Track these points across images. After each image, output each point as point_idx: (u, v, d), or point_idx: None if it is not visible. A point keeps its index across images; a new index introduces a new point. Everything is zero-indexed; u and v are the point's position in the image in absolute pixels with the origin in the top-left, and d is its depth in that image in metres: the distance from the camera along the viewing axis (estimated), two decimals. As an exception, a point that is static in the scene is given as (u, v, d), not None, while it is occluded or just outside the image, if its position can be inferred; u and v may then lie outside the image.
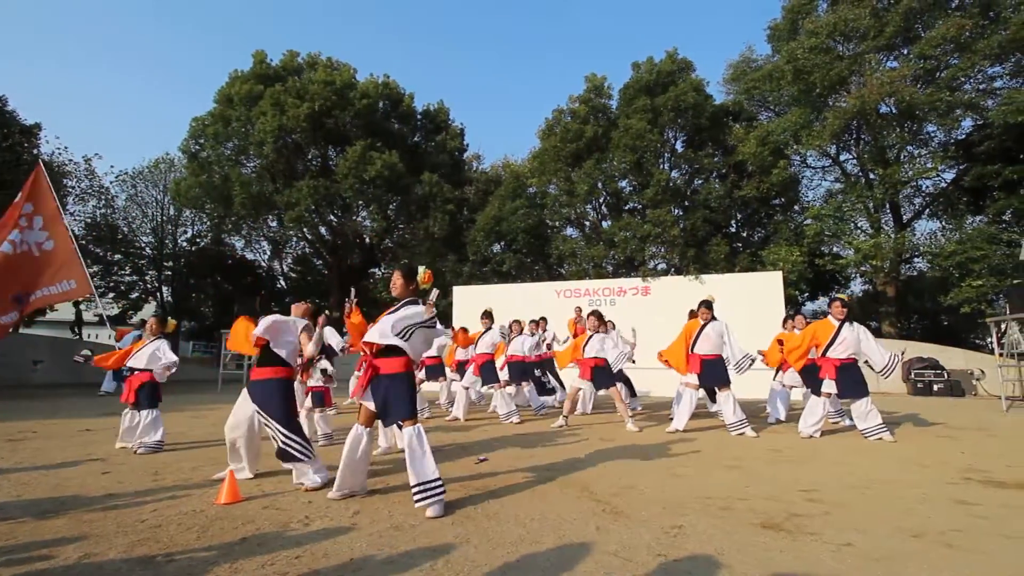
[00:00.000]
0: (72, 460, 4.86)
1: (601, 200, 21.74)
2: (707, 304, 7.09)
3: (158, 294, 26.01)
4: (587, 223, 22.36)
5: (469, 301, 15.34)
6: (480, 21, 78.50)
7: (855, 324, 6.59)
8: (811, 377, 7.10)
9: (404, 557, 2.60)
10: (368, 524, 3.09)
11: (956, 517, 3.31)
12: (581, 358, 7.40)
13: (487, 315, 8.69)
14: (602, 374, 7.30)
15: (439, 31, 79.92)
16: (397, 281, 3.88)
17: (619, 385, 7.65)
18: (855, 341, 6.45)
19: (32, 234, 6.93)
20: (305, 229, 23.91)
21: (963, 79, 16.33)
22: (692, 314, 7.61)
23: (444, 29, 79.81)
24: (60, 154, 22.47)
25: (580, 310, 9.54)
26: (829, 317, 6.76)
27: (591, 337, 7.41)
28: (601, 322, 7.61)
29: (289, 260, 28.13)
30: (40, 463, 4.71)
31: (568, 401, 7.44)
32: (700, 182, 20.79)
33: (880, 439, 6.13)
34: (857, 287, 23.29)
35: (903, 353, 6.48)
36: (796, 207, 20.92)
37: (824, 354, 6.59)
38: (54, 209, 7.07)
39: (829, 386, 6.46)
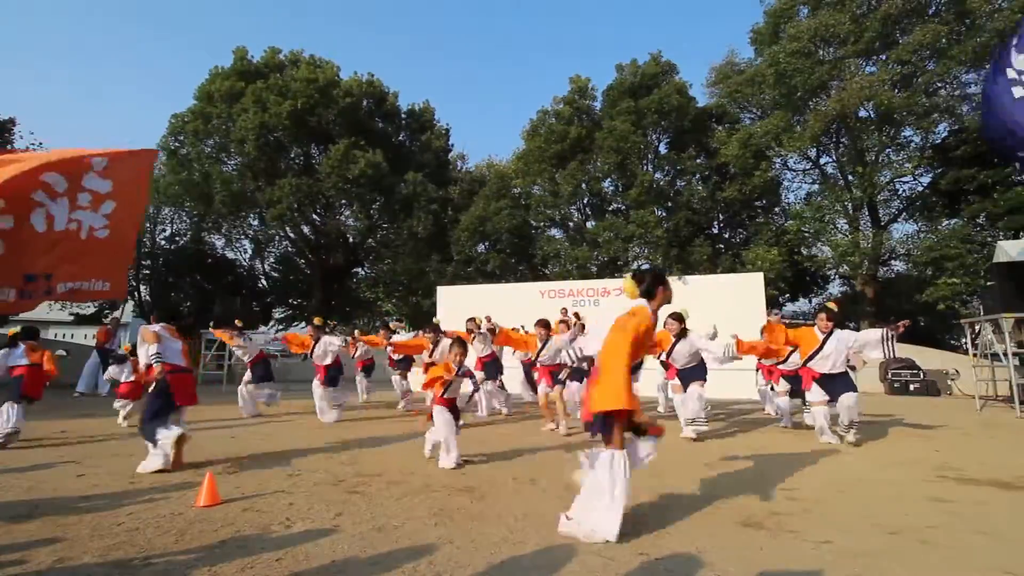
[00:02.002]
0: (46, 462, 4.75)
1: (585, 201, 21.85)
2: (677, 317, 6.60)
3: (136, 293, 25.53)
4: (571, 224, 22.45)
5: (453, 301, 15.30)
6: (465, 21, 78.43)
7: (841, 334, 6.16)
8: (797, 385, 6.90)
9: (386, 558, 2.58)
10: (350, 525, 3.07)
11: (932, 514, 3.38)
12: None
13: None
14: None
15: (424, 30, 79.70)
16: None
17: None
18: (840, 355, 6.02)
19: (90, 216, 6.12)
20: (287, 228, 23.65)
21: (939, 84, 16.70)
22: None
23: (429, 28, 79.61)
24: (35, 149, 21.96)
25: (566, 311, 9.52)
26: (815, 328, 6.26)
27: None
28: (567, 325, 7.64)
29: (271, 259, 27.76)
30: (13, 465, 4.60)
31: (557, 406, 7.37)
32: (683, 183, 20.99)
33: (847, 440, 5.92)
34: (836, 288, 23.70)
35: (893, 327, 5.78)
36: (777, 209, 21.22)
37: (805, 364, 6.26)
38: (135, 203, 6.37)
39: (816, 394, 6.14)
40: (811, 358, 6.17)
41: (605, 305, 14.86)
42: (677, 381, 6.80)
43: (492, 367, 8.54)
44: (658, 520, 3.19)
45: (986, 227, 16.84)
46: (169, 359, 4.72)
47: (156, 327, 4.89)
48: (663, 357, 6.88)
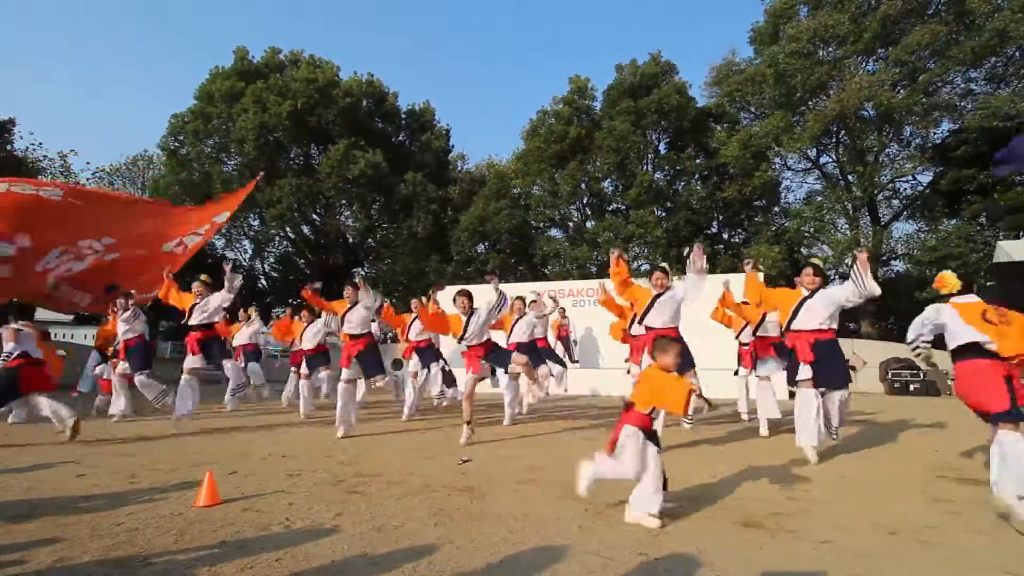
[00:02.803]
0: (46, 462, 4.74)
1: (585, 201, 21.85)
2: (662, 269, 5.73)
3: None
4: (571, 224, 22.45)
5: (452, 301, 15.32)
6: (465, 21, 78.46)
7: (829, 290, 5.18)
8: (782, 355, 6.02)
9: (386, 558, 2.58)
10: (350, 526, 3.06)
11: (931, 514, 3.38)
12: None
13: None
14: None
15: (424, 30, 79.70)
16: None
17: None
18: (828, 310, 5.00)
19: (189, 239, 7.31)
20: (287, 228, 23.68)
21: (940, 83, 16.70)
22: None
23: (429, 28, 79.61)
24: (35, 150, 21.97)
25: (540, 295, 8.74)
26: (799, 286, 5.27)
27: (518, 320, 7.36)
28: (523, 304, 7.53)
29: (271, 259, 27.79)
30: (12, 465, 4.59)
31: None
32: (682, 183, 21.00)
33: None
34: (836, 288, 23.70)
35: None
36: (776, 208, 21.22)
37: (788, 327, 5.22)
38: (212, 220, 7.44)
39: (805, 372, 4.97)
40: (795, 315, 5.11)
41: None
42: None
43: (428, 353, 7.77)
44: (657, 519, 3.18)
45: (986, 227, 16.85)
46: (27, 353, 5.73)
47: (16, 325, 5.78)
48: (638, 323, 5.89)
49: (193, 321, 6.68)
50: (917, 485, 4.14)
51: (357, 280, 6.32)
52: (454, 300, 5.90)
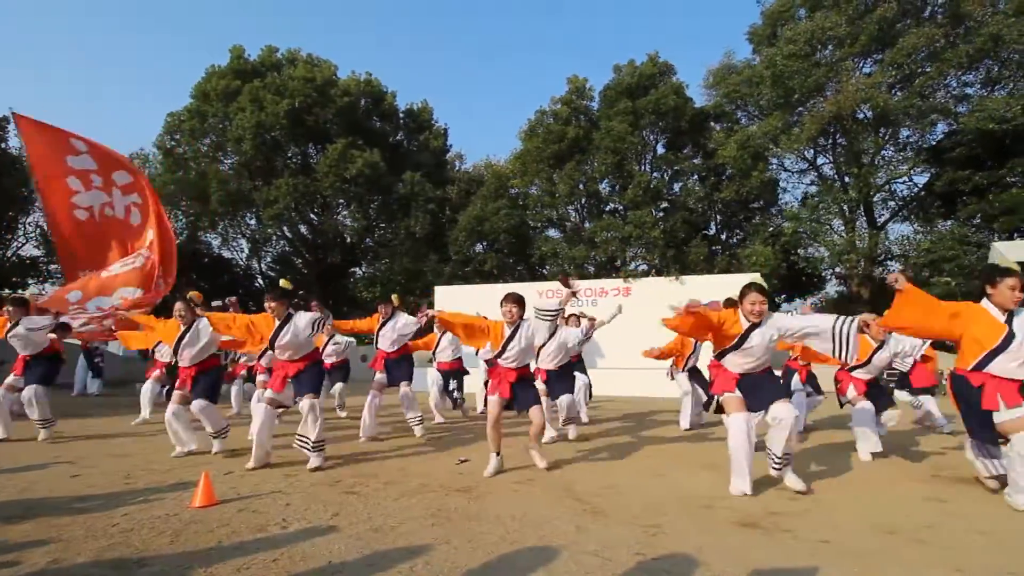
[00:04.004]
0: (40, 463, 4.72)
1: (583, 201, 21.86)
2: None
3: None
4: (569, 224, 22.45)
5: (450, 301, 15.29)
6: (464, 21, 78.41)
7: (772, 319, 4.08)
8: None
9: (383, 559, 2.58)
10: (347, 526, 3.06)
11: (928, 513, 3.39)
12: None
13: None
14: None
15: (423, 30, 79.65)
16: None
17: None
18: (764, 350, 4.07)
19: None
20: (284, 227, 23.60)
21: (935, 86, 16.76)
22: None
23: (428, 28, 79.55)
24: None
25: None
26: (740, 313, 4.13)
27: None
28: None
29: (268, 259, 27.69)
30: (7, 466, 4.57)
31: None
32: (680, 184, 21.02)
33: None
34: (832, 288, 23.76)
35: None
36: (774, 209, 21.27)
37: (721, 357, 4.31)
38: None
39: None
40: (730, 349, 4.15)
41: (603, 305, 14.87)
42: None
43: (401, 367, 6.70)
44: (654, 519, 3.19)
45: (981, 228, 16.92)
46: None
47: None
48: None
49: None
50: (913, 485, 4.15)
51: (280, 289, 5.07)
52: (501, 304, 4.59)
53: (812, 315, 4.89)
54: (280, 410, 5.03)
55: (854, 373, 5.38)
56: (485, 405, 5.25)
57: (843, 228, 19.01)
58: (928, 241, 16.94)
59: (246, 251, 27.03)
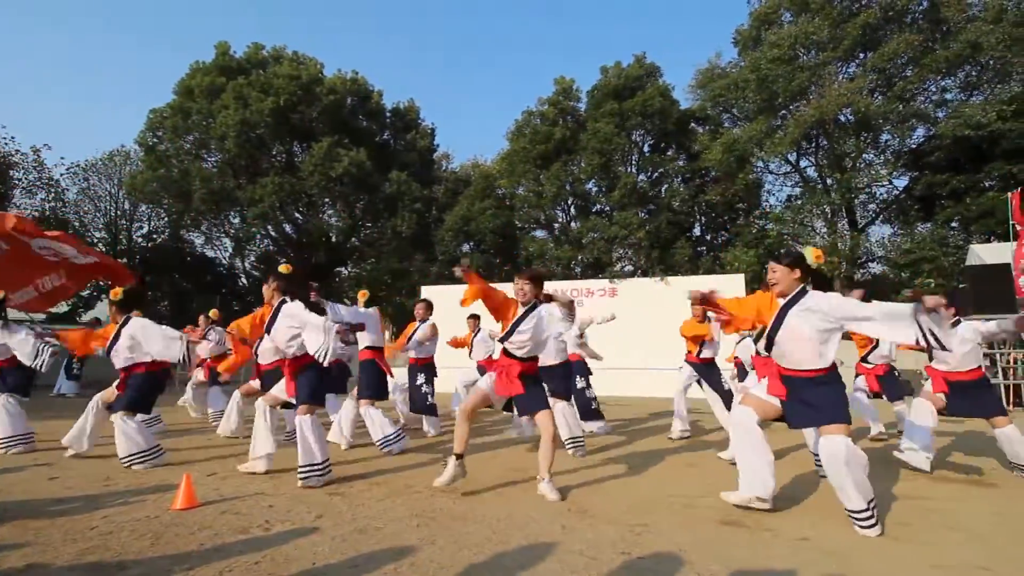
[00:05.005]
0: (17, 465, 4.63)
1: (569, 202, 21.93)
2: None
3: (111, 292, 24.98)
4: (556, 224, 22.52)
5: (437, 301, 15.25)
6: (451, 20, 78.23)
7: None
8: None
9: (368, 560, 2.56)
10: (331, 527, 3.04)
11: (907, 511, 3.45)
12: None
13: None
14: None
15: (409, 30, 79.30)
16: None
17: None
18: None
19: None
20: (269, 226, 23.37)
21: (915, 91, 17.07)
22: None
23: (414, 28, 79.21)
24: (7, 144, 21.42)
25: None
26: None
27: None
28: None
29: (252, 258, 27.40)
30: (-19, 469, 4.47)
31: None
32: (665, 185, 21.19)
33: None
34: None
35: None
36: (758, 212, 21.51)
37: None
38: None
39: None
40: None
41: (590, 306, 14.94)
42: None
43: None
44: (639, 519, 3.21)
45: (959, 230, 17.28)
46: None
47: None
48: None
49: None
50: (893, 483, 4.23)
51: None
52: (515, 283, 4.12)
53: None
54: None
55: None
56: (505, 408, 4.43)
57: (825, 230, 19.29)
58: (908, 243, 17.27)
59: (230, 250, 26.75)
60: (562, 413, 5.13)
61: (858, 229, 19.69)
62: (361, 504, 3.51)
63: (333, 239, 24.56)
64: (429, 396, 6.41)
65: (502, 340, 4.04)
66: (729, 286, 14.21)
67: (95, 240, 25.47)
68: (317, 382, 4.28)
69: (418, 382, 6.39)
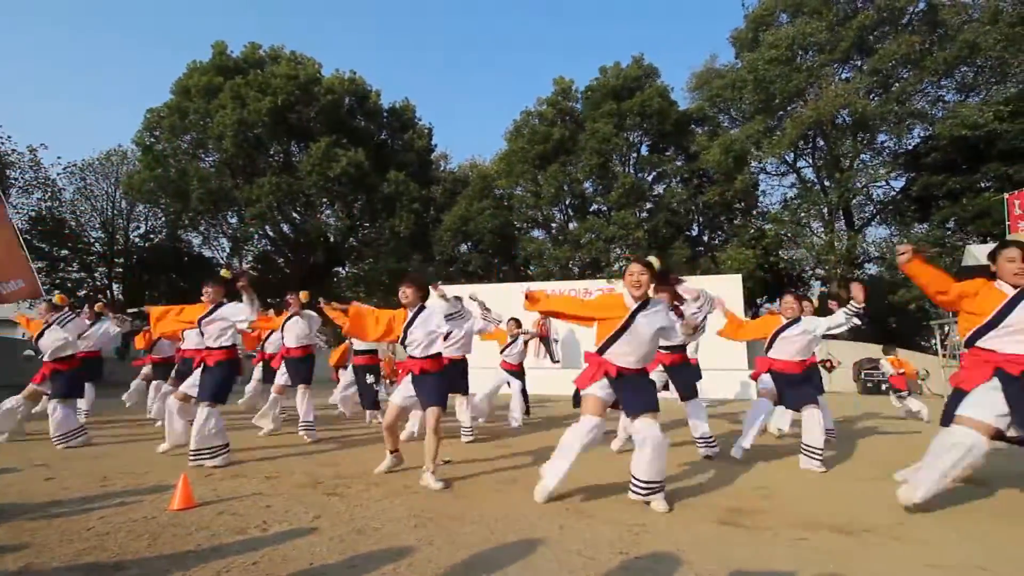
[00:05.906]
0: (12, 466, 4.60)
1: (567, 202, 21.95)
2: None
3: (108, 291, 24.92)
4: (553, 224, 22.53)
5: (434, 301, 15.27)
6: (449, 20, 78.33)
7: (805, 320, 5.08)
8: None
9: (366, 560, 2.56)
10: (329, 527, 3.03)
11: (903, 511, 3.45)
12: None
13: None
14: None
15: (408, 30, 79.28)
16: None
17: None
18: (803, 341, 4.95)
19: None
20: (267, 226, 23.34)
21: (912, 92, 17.13)
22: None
23: (412, 28, 79.20)
24: (3, 143, 21.32)
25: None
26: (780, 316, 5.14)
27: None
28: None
29: (249, 258, 27.36)
30: (-23, 469, 4.45)
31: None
32: (663, 186, 21.22)
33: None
34: (816, 288, 24.19)
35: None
36: (755, 212, 21.57)
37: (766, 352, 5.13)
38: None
39: (765, 382, 5.10)
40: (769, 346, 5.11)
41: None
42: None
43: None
44: (637, 519, 3.21)
45: (955, 231, 17.33)
46: None
47: None
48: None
49: None
50: (890, 483, 4.22)
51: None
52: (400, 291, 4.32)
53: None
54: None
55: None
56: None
57: (823, 231, 19.34)
58: (904, 243, 17.35)
59: (227, 250, 26.70)
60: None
61: (855, 229, 19.75)
62: (359, 504, 3.50)
63: (331, 239, 24.53)
64: (379, 392, 7.16)
65: (401, 343, 4.32)
66: (727, 286, 14.22)
67: (92, 240, 25.40)
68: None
69: (368, 381, 6.97)
